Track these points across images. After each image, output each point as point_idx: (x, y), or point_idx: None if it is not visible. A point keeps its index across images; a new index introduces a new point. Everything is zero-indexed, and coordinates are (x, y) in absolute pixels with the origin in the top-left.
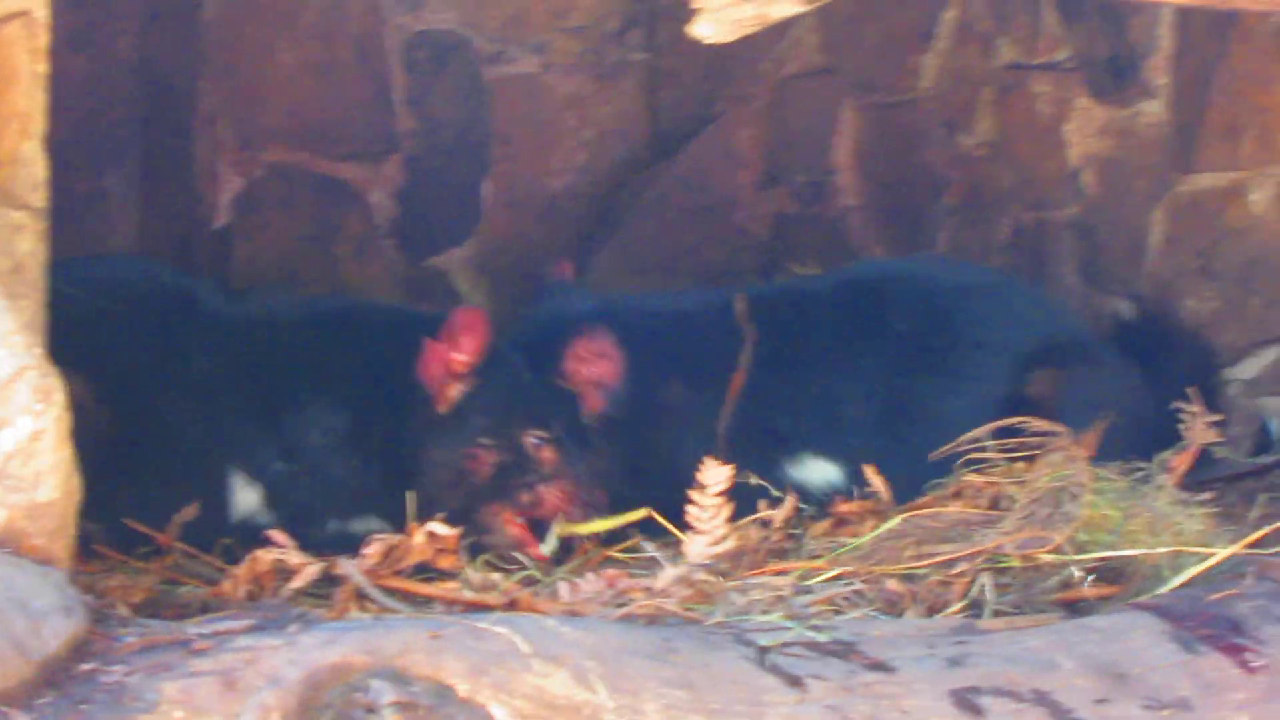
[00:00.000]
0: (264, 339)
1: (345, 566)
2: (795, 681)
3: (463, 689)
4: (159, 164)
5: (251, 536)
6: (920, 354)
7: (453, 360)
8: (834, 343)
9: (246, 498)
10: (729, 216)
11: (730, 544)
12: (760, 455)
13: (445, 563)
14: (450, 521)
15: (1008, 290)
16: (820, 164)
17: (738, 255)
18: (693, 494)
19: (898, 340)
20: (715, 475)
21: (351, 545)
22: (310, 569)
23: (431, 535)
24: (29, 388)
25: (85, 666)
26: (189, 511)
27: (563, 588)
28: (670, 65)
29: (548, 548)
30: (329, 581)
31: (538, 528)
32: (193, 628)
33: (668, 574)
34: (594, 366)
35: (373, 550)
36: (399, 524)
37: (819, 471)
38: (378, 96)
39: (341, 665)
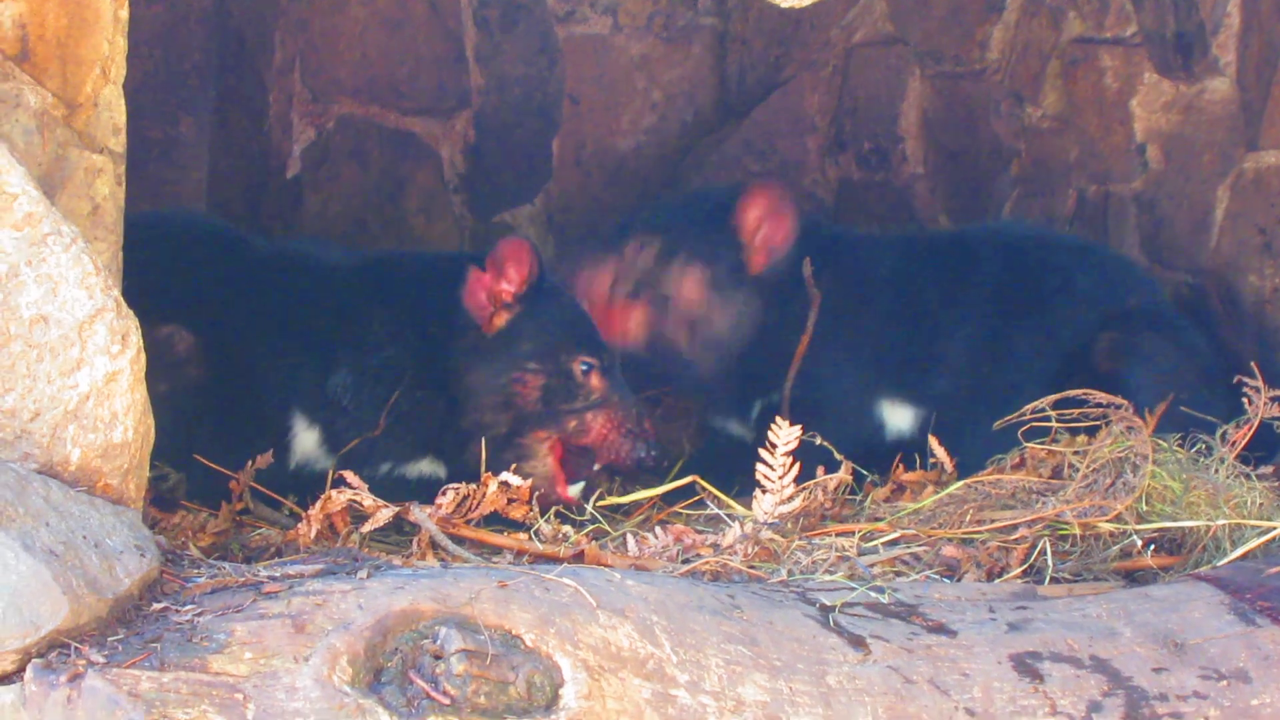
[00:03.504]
0: (315, 284)
1: (417, 514)
2: (858, 641)
3: (529, 638)
4: (232, 113)
5: (309, 481)
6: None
7: (498, 288)
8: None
9: (305, 441)
10: (795, 181)
11: (797, 504)
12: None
13: (517, 513)
14: (494, 447)
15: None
16: (887, 132)
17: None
18: (762, 453)
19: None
20: (785, 435)
21: (406, 489)
22: (383, 512)
23: (504, 485)
24: (106, 329)
25: (157, 606)
26: (264, 459)
27: (631, 542)
28: (739, 30)
29: (575, 489)
30: (398, 529)
31: (582, 466)
32: (263, 570)
33: (735, 531)
34: (768, 221)
35: (446, 499)
36: (454, 465)
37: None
38: (449, 52)
39: (410, 612)
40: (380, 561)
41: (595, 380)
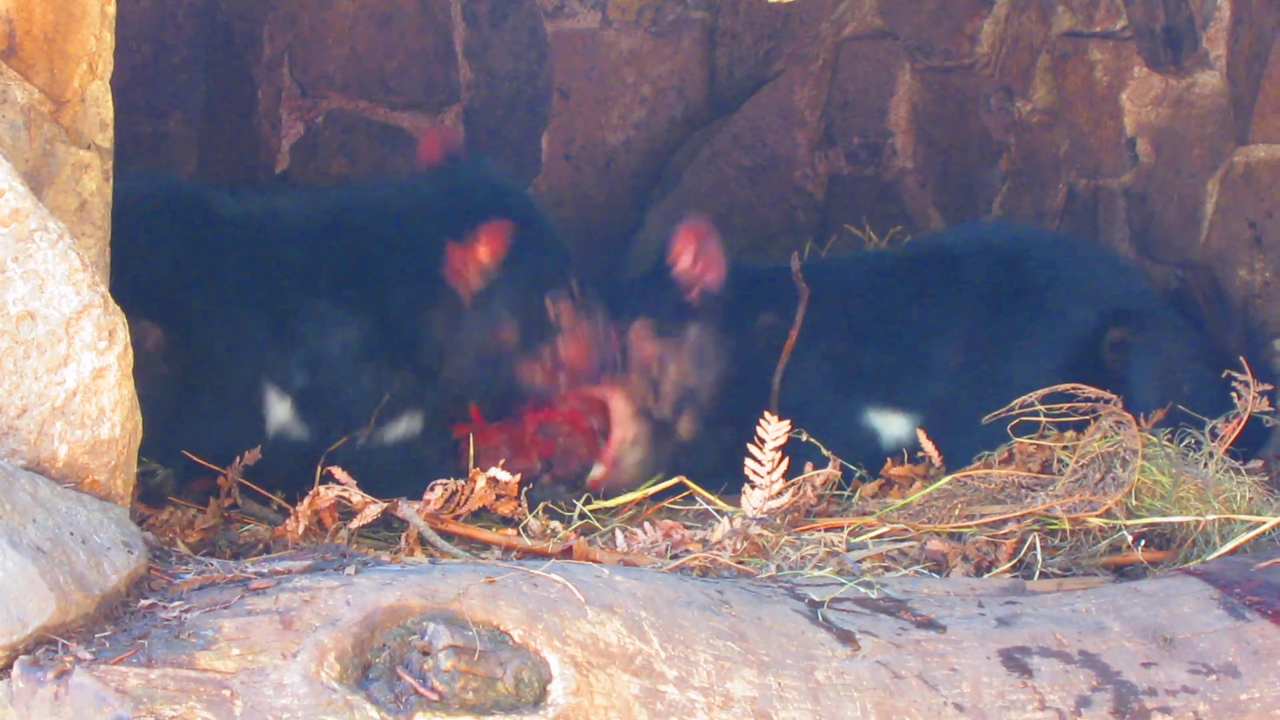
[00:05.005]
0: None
1: (406, 510)
2: (846, 637)
3: (517, 634)
4: (220, 108)
5: (286, 451)
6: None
7: (476, 259)
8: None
9: (278, 411)
10: (785, 176)
11: (785, 499)
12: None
13: (506, 508)
14: (486, 403)
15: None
16: (876, 126)
17: (792, 214)
18: (751, 449)
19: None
20: (774, 430)
21: (389, 449)
22: (371, 509)
23: (493, 481)
24: (93, 325)
25: (144, 602)
26: (252, 455)
27: (619, 537)
28: (729, 24)
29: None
30: (386, 525)
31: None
32: (251, 567)
33: (724, 526)
34: (699, 258)
35: (434, 495)
36: (433, 417)
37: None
38: (438, 47)
39: (398, 608)
40: (368, 558)
41: (565, 309)
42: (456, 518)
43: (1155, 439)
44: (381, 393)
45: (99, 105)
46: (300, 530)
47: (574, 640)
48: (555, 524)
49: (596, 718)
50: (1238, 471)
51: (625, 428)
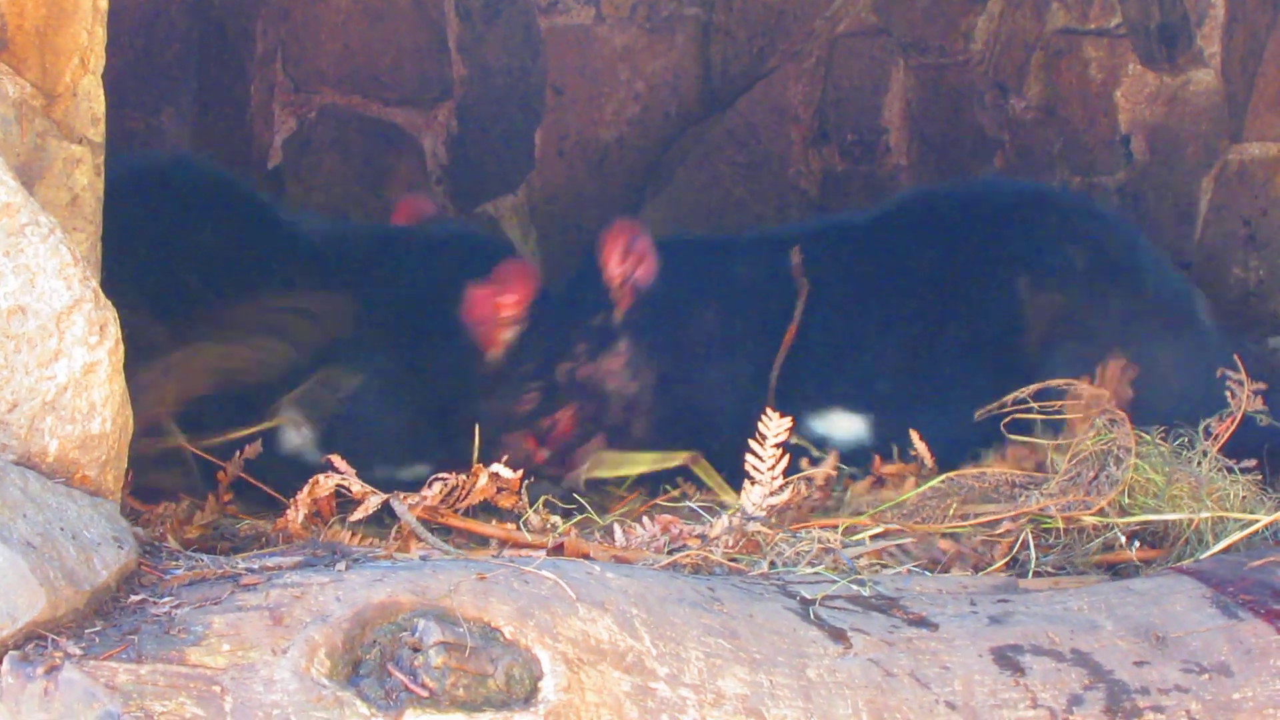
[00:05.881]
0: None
1: (397, 507)
2: (838, 635)
3: (508, 631)
4: (213, 104)
5: (300, 473)
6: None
7: (501, 306)
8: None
9: (295, 438)
10: (779, 172)
11: (784, 496)
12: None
13: (506, 503)
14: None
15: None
16: (870, 123)
17: (786, 211)
18: (752, 444)
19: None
20: (775, 426)
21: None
22: (372, 500)
23: (494, 476)
24: (84, 320)
25: (134, 598)
26: (252, 449)
27: (617, 531)
28: (723, 20)
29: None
30: (390, 513)
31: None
32: (241, 562)
33: (722, 522)
34: (629, 259)
35: (433, 490)
36: (450, 467)
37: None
38: (431, 43)
39: (389, 604)
40: (359, 554)
41: (582, 373)
42: (456, 511)
43: (1149, 438)
44: (399, 435)
45: (91, 100)
46: (300, 519)
47: (565, 637)
48: (555, 518)
49: (587, 714)
50: (1231, 470)
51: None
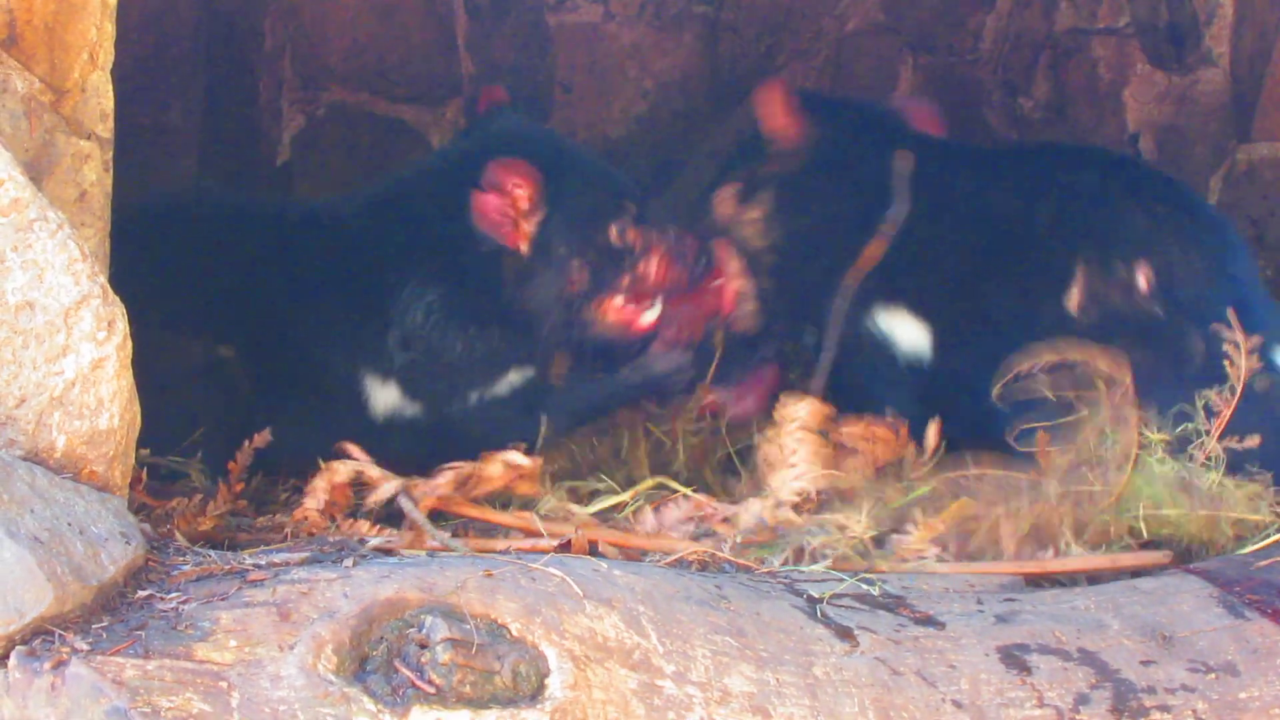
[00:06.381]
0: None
1: (405, 504)
2: (845, 633)
3: (515, 628)
4: (221, 100)
5: (404, 431)
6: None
7: (515, 201)
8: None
9: (384, 395)
10: None
11: (811, 480)
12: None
13: (524, 489)
14: (574, 349)
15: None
16: None
17: None
18: (780, 429)
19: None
20: (802, 410)
21: (501, 404)
22: (387, 486)
23: (507, 464)
24: (92, 315)
25: (142, 593)
26: (262, 438)
27: (647, 514)
28: (731, 18)
29: (648, 315)
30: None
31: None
32: (249, 558)
33: (752, 507)
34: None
35: (445, 479)
36: (539, 372)
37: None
38: (440, 40)
39: (396, 600)
40: (366, 550)
41: (631, 234)
42: (473, 500)
43: (1152, 436)
44: (478, 354)
45: (99, 95)
46: (320, 507)
47: (572, 634)
48: (572, 506)
49: (594, 712)
50: (1236, 469)
51: (737, 280)
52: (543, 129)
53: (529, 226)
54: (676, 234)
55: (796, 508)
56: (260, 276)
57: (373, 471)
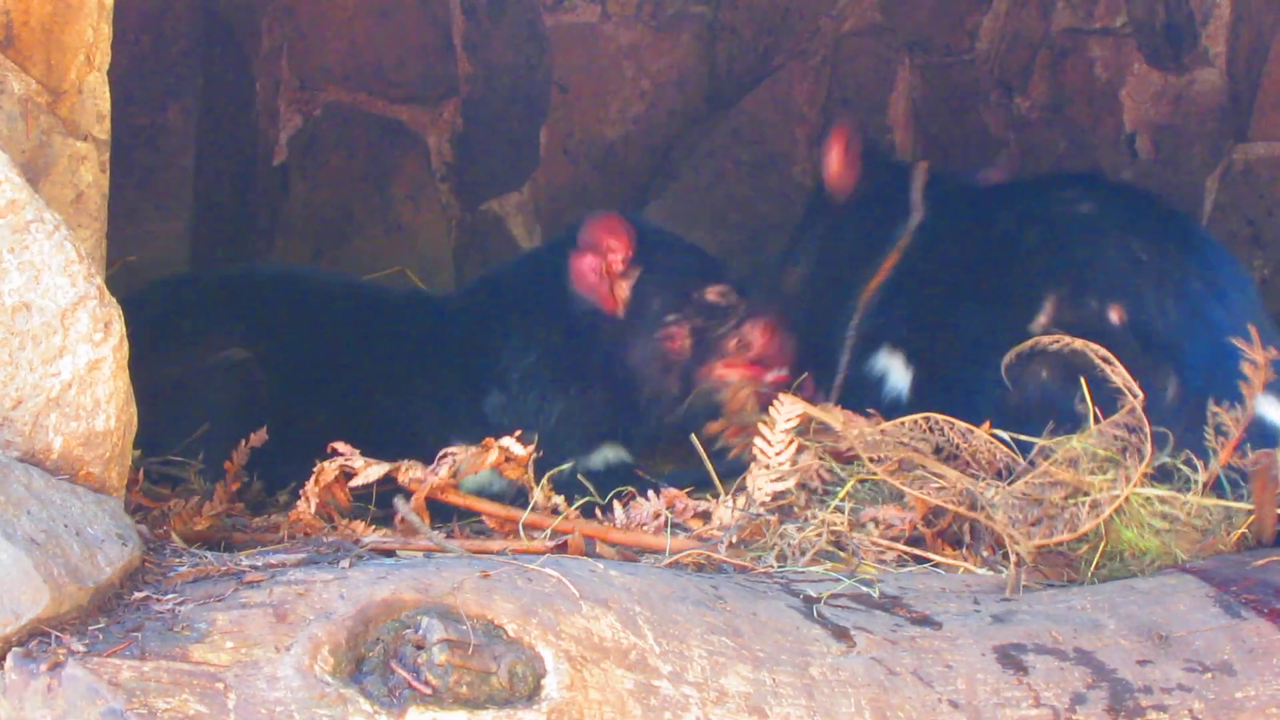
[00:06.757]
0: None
1: (401, 506)
2: (841, 633)
3: (511, 629)
4: (218, 101)
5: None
6: None
7: (610, 262)
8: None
9: None
10: (784, 171)
11: (792, 481)
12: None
13: (513, 474)
14: (676, 405)
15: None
16: (876, 121)
17: (791, 209)
18: (762, 428)
19: None
20: (789, 410)
21: (595, 480)
22: (373, 469)
23: (504, 450)
24: (89, 317)
25: (138, 595)
26: (259, 436)
27: (617, 509)
28: (728, 18)
29: (774, 372)
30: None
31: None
32: (245, 559)
33: (725, 505)
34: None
35: (443, 470)
36: (636, 444)
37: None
38: (437, 40)
39: (392, 601)
40: (362, 550)
41: (733, 297)
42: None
43: (1141, 492)
44: (577, 418)
45: (96, 97)
46: (312, 510)
47: (568, 635)
48: (559, 498)
49: (590, 712)
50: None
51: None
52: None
53: (624, 284)
54: (773, 299)
55: (776, 507)
56: (365, 351)
57: (357, 462)
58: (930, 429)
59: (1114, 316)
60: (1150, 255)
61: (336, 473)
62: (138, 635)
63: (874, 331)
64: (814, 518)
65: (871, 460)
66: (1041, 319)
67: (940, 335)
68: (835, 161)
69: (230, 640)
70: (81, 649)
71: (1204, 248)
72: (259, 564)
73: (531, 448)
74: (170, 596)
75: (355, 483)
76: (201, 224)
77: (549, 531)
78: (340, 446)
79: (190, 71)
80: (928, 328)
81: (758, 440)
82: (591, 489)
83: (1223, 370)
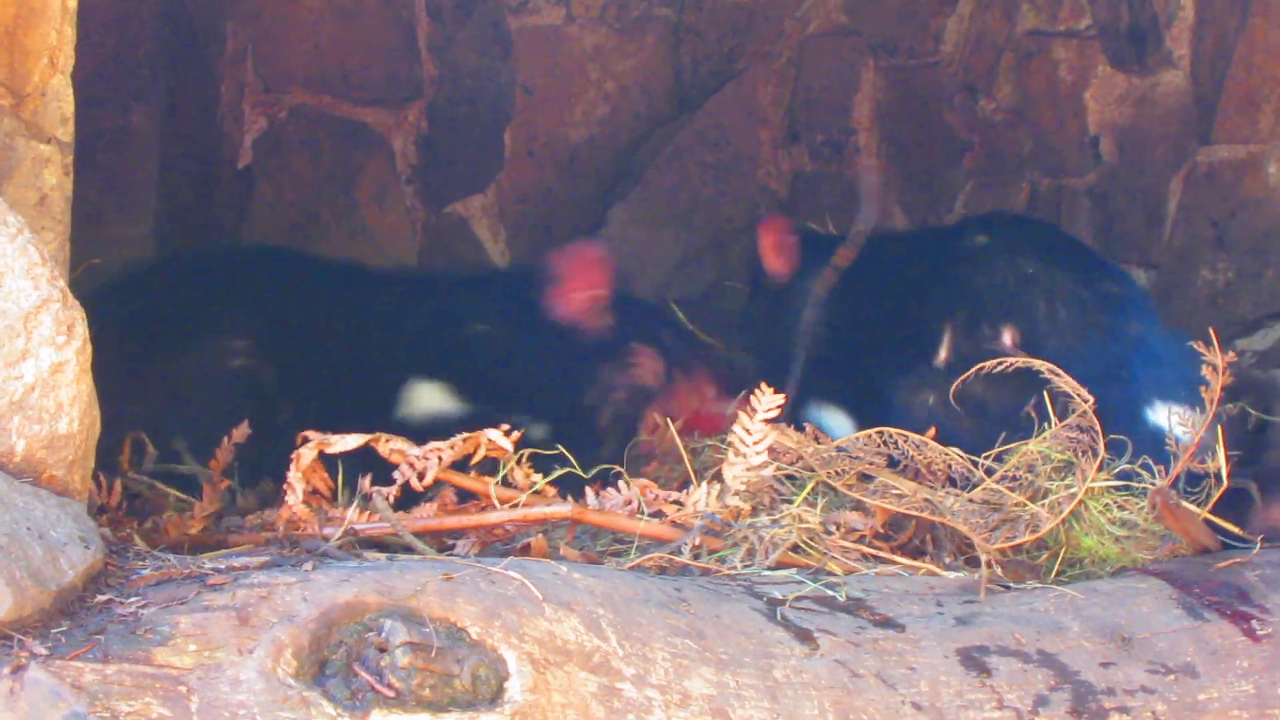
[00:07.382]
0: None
1: (379, 503)
2: (805, 635)
3: (474, 631)
4: (183, 103)
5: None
6: None
7: (595, 295)
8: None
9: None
10: (748, 173)
11: (768, 472)
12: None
13: (494, 453)
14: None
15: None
16: (840, 123)
17: (756, 212)
18: (740, 417)
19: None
20: (768, 402)
21: None
22: (349, 439)
23: (491, 443)
24: (52, 320)
25: (101, 598)
26: (240, 432)
27: (590, 495)
28: (693, 21)
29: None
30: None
31: None
32: (209, 562)
33: (701, 492)
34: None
35: (434, 462)
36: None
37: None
38: (401, 42)
39: (355, 604)
40: (325, 553)
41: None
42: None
43: (1096, 501)
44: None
45: (60, 99)
46: (299, 498)
47: (531, 637)
48: (537, 476)
49: (553, 715)
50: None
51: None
52: None
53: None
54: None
55: (750, 497)
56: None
57: (333, 439)
58: (884, 442)
59: (1007, 339)
60: (1039, 270)
61: (314, 455)
62: (100, 638)
63: (813, 390)
64: (782, 514)
65: (830, 475)
66: (942, 353)
67: (865, 384)
68: (769, 254)
69: (193, 643)
70: (44, 652)
71: (1095, 264)
72: (222, 567)
73: (516, 439)
74: (133, 599)
75: (333, 450)
76: (166, 227)
77: (524, 496)
78: (309, 434)
79: (155, 74)
80: (853, 379)
81: (736, 428)
82: (573, 460)
83: (1117, 379)
